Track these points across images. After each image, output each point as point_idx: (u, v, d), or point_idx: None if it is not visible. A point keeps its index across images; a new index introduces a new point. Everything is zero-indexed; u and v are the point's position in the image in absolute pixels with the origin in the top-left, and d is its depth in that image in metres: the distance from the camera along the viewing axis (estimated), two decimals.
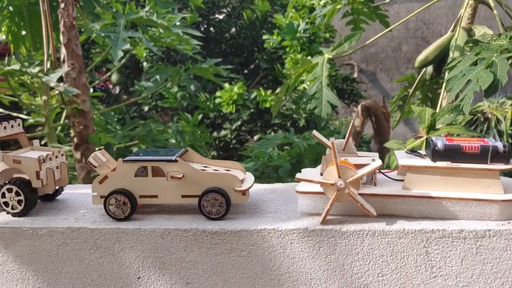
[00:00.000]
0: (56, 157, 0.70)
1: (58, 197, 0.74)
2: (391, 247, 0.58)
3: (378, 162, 0.59)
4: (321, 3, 3.12)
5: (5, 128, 0.69)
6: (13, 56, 1.88)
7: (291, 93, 3.16)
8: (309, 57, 3.33)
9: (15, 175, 0.68)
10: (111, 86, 3.79)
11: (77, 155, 2.04)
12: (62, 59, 1.92)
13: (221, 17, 3.73)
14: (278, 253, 0.60)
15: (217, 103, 3.26)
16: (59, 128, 2.42)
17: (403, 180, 0.63)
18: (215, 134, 3.35)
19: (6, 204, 0.67)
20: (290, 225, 0.60)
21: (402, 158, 0.64)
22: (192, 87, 2.84)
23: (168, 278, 0.63)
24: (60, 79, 1.92)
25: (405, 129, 3.67)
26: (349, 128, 0.70)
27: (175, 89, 3.39)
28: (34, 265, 0.65)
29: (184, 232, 0.61)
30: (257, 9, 3.70)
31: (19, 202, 0.66)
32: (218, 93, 3.21)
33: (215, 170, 0.67)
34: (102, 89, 3.69)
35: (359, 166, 0.62)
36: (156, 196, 0.65)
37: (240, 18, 3.84)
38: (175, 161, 0.64)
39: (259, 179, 2.43)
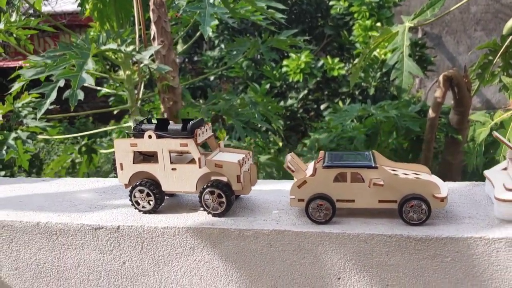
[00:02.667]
0: (248, 159, 0.74)
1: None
2: None
3: None
4: None
5: (202, 133, 0.73)
6: (105, 34, 1.92)
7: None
8: (378, 23, 3.26)
9: (213, 177, 0.72)
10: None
11: None
12: (152, 37, 1.96)
13: None
14: (483, 261, 0.63)
15: (283, 72, 3.26)
16: (139, 102, 2.49)
17: None
18: (281, 103, 3.36)
19: (207, 205, 0.72)
20: (497, 234, 0.63)
21: None
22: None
23: (368, 280, 0.67)
24: (150, 57, 1.96)
25: (474, 100, 3.59)
26: None
27: (241, 58, 3.40)
28: (238, 263, 0.70)
29: (388, 238, 0.65)
30: None
31: (220, 203, 0.71)
32: (285, 62, 3.20)
33: (405, 174, 0.70)
34: None
35: None
36: (353, 201, 0.68)
37: None
38: (376, 167, 0.67)
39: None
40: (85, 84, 1.46)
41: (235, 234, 0.69)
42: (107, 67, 2.41)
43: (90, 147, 2.60)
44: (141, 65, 2.12)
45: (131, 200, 0.74)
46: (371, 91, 3.20)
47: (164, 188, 0.74)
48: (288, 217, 0.71)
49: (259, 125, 2.30)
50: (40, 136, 2.47)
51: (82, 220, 0.74)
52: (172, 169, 0.72)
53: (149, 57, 1.85)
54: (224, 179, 0.72)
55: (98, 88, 2.41)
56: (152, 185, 0.73)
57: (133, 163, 0.74)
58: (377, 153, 0.73)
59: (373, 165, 0.67)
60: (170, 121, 0.75)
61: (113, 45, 1.82)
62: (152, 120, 0.76)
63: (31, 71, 1.64)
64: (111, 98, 3.47)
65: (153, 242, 0.71)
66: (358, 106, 2.49)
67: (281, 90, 3.42)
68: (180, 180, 0.73)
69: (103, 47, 1.82)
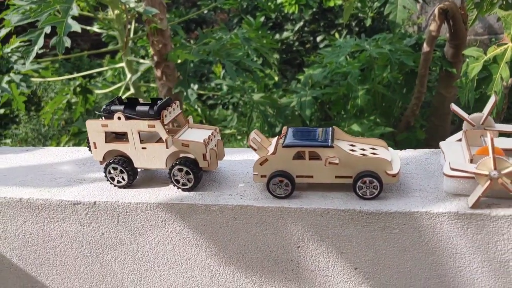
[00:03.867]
0: (214, 136, 0.79)
1: None
2: None
3: None
4: None
5: (170, 113, 0.77)
6: None
7: None
8: None
9: (182, 155, 0.77)
10: None
11: (158, 73, 2.13)
12: None
13: None
14: (428, 232, 0.69)
15: (278, 3, 3.20)
16: (130, 42, 2.48)
17: None
18: (277, 36, 3.33)
19: (177, 181, 0.77)
20: (441, 208, 0.68)
21: None
22: None
23: (324, 248, 0.74)
24: None
25: (476, 26, 3.53)
26: (490, 105, 0.74)
27: None
28: (206, 234, 0.77)
29: (342, 212, 0.71)
30: None
31: (188, 179, 0.77)
32: None
33: (362, 149, 0.75)
34: None
35: (508, 152, 0.68)
36: (311, 177, 0.74)
37: None
38: (332, 147, 0.71)
39: (329, 87, 2.47)
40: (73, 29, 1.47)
41: (202, 208, 0.75)
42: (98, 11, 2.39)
43: (85, 87, 2.63)
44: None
45: (106, 176, 0.80)
46: (368, 22, 3.15)
47: (136, 165, 0.79)
48: (252, 191, 0.77)
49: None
50: (34, 79, 2.50)
51: (61, 195, 0.80)
52: (142, 148, 0.77)
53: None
54: (192, 156, 0.77)
55: (88, 28, 2.40)
56: (124, 162, 0.78)
57: (106, 142, 0.79)
58: (338, 129, 0.77)
59: (329, 145, 0.72)
60: (140, 100, 0.79)
61: None
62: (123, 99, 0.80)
63: (16, 16, 1.64)
64: (104, 34, 3.44)
65: (127, 216, 0.78)
66: (352, 41, 2.47)
67: (277, 22, 3.37)
68: (151, 157, 0.78)
69: None
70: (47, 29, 1.47)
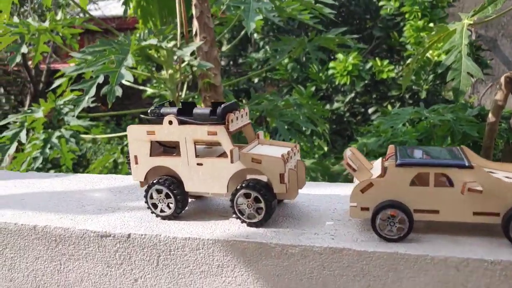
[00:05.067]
0: (294, 154, 0.56)
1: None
2: None
3: None
4: None
5: (236, 118, 0.55)
6: (146, 31, 1.80)
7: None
8: (431, 24, 3.02)
9: (250, 176, 0.54)
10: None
11: None
12: (194, 33, 1.82)
13: None
14: None
15: (329, 75, 3.05)
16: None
17: None
18: (327, 106, 3.16)
19: (241, 212, 0.53)
20: None
21: None
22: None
23: None
24: (192, 53, 1.82)
25: None
26: None
27: (286, 60, 3.24)
28: (280, 284, 0.51)
29: (490, 265, 0.45)
30: None
31: (257, 210, 0.53)
32: (331, 64, 3.00)
33: (508, 178, 0.49)
34: None
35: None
36: (437, 212, 0.49)
37: None
38: (471, 167, 0.47)
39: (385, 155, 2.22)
40: (130, 84, 1.33)
41: (276, 250, 0.50)
42: (153, 68, 2.30)
43: None
44: (183, 64, 1.98)
45: (146, 202, 0.57)
46: (423, 95, 2.94)
47: (188, 188, 0.56)
48: (347, 230, 0.52)
49: (304, 128, 2.11)
50: (84, 136, 2.37)
51: (86, 225, 0.57)
52: (198, 164, 0.55)
53: (191, 54, 1.70)
54: (264, 178, 0.53)
55: (141, 87, 2.29)
56: (173, 183, 0.56)
57: (150, 156, 0.57)
58: (467, 149, 0.53)
59: (466, 164, 0.47)
60: (198, 106, 0.58)
61: (153, 41, 1.68)
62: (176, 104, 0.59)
63: (71, 67, 1.52)
64: (156, 100, 3.36)
65: (171, 256, 0.54)
66: (410, 109, 2.26)
67: (327, 93, 3.21)
68: (208, 178, 0.55)
69: (143, 43, 1.68)
70: (100, 79, 1.33)
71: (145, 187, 0.58)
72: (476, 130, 2.21)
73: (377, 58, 3.22)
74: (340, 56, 2.99)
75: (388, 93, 3.18)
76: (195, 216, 0.58)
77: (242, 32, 2.15)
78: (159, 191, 0.56)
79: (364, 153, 2.40)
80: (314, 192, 0.64)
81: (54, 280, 0.59)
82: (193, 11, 1.79)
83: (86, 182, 0.74)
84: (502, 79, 2.15)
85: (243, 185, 0.53)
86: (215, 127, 0.53)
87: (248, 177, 0.54)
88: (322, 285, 0.50)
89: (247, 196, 0.53)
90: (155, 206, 0.57)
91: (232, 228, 0.54)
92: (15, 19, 1.64)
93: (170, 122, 0.55)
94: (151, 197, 0.57)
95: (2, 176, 0.81)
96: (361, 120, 3.26)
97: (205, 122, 0.54)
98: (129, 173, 0.58)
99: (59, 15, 1.88)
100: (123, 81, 1.27)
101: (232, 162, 0.53)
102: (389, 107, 3.08)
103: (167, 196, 0.56)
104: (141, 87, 2.32)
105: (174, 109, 0.56)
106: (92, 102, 1.61)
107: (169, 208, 0.57)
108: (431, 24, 3.02)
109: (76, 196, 0.67)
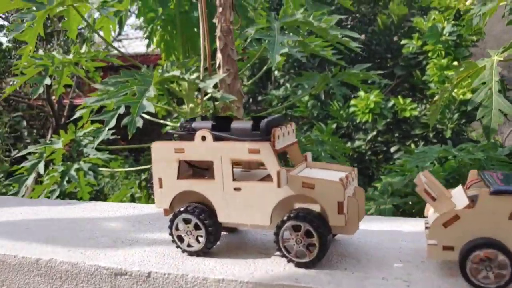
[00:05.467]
0: (353, 179, 0.45)
1: None
2: None
3: None
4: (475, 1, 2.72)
5: (283, 135, 0.45)
6: (169, 64, 1.74)
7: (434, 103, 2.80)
8: (455, 63, 2.93)
9: (298, 205, 0.43)
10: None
11: None
12: (217, 65, 1.75)
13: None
14: None
15: (351, 112, 2.96)
16: None
17: None
18: (348, 144, 3.05)
19: (288, 249, 0.42)
20: None
21: None
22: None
23: None
24: (215, 86, 1.75)
25: None
26: None
27: (306, 97, 3.17)
28: None
29: None
30: (392, 13, 3.36)
31: (309, 246, 0.42)
32: (353, 102, 2.92)
33: None
34: None
35: None
36: None
37: (371, 24, 3.52)
38: None
39: (412, 196, 2.09)
40: (150, 118, 1.25)
41: None
42: (173, 103, 2.24)
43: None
44: (205, 98, 1.91)
45: (171, 234, 0.47)
46: (448, 134, 2.83)
47: (222, 218, 0.46)
48: (423, 275, 0.40)
49: None
50: (102, 169, 2.29)
51: (99, 260, 0.46)
52: (236, 189, 0.44)
53: (214, 86, 1.63)
54: (316, 207, 0.42)
55: (162, 121, 2.22)
56: (203, 212, 0.45)
57: (178, 179, 0.47)
58: None
59: None
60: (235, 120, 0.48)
61: (176, 72, 1.62)
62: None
63: (92, 98, 1.46)
64: (176, 135, 3.30)
65: None
66: (437, 148, 2.14)
67: (348, 131, 3.11)
68: (247, 206, 0.44)
69: (166, 75, 1.62)
70: (121, 110, 1.26)
71: (170, 216, 0.47)
72: (508, 170, 2.07)
73: (399, 96, 3.13)
74: (361, 93, 2.91)
75: (411, 131, 3.07)
76: (228, 253, 0.47)
77: (265, 67, 2.08)
78: (187, 221, 0.46)
79: (390, 192, 2.26)
80: (370, 228, 0.52)
81: None
82: (217, 43, 1.72)
83: (102, 210, 0.64)
84: None
85: (291, 215, 0.42)
86: (258, 144, 0.43)
87: (297, 206, 0.43)
88: None
89: (296, 229, 0.42)
90: (181, 239, 0.47)
91: (276, 268, 0.43)
92: (40, 52, 1.59)
93: (203, 138, 0.45)
94: (177, 228, 0.47)
95: (10, 202, 0.71)
96: (383, 159, 3.15)
97: (246, 138, 0.44)
98: (151, 202, 0.49)
99: (84, 49, 1.83)
100: (143, 115, 1.20)
101: (279, 186, 0.42)
102: (412, 146, 2.96)
103: (197, 227, 0.46)
104: (161, 121, 2.24)
105: (209, 123, 0.46)
106: (112, 134, 1.53)
107: (198, 242, 0.46)
108: (455, 63, 2.94)
109: (89, 226, 0.57)
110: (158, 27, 1.99)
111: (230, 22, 1.72)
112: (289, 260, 0.43)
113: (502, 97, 1.55)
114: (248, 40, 1.71)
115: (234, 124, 0.45)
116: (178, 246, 0.47)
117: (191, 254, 0.47)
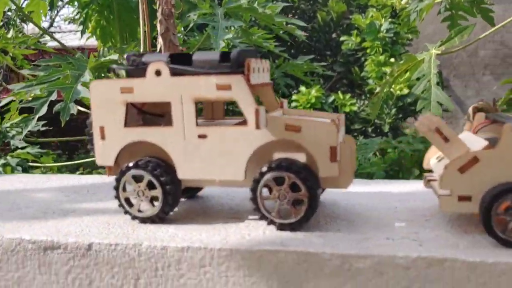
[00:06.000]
0: (340, 126, 0.37)
1: None
2: None
3: None
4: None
5: (258, 70, 0.36)
6: (106, 49, 1.60)
7: (371, 97, 2.83)
8: (392, 59, 2.99)
9: (278, 155, 0.34)
10: None
11: None
12: (158, 50, 1.63)
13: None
14: None
15: (292, 107, 2.94)
16: None
17: None
18: None
19: (267, 209, 0.34)
20: None
21: None
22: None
23: None
24: None
25: None
26: None
27: None
28: None
29: None
30: (332, 10, 3.38)
31: (295, 204, 0.33)
32: (294, 97, 2.89)
33: None
34: None
35: None
36: None
37: (311, 21, 3.52)
38: None
39: None
40: (84, 110, 1.12)
41: (333, 264, 0.30)
42: None
43: None
44: None
45: (118, 196, 0.36)
46: (386, 129, 2.86)
47: (182, 174, 0.36)
48: (433, 233, 0.33)
49: None
50: (32, 164, 2.08)
51: (21, 232, 0.35)
52: (200, 136, 0.35)
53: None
54: (301, 157, 0.34)
55: None
56: (159, 167, 0.35)
57: (125, 127, 0.36)
58: None
59: None
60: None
61: (114, 57, 1.48)
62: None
63: (20, 84, 1.29)
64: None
65: (158, 278, 0.33)
66: (378, 140, 2.15)
67: None
68: (215, 158, 0.35)
69: (102, 59, 1.47)
70: (53, 96, 1.11)
71: (116, 174, 0.37)
72: None
73: (339, 92, 3.15)
74: (303, 89, 2.89)
75: (351, 126, 3.08)
76: (190, 219, 0.37)
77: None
78: (137, 179, 0.36)
79: None
80: (355, 190, 0.44)
81: None
82: (158, 27, 1.59)
83: (27, 182, 0.51)
84: (470, 110, 2.06)
85: (272, 165, 0.33)
86: (228, 77, 0.34)
87: (276, 156, 0.34)
88: None
89: (278, 182, 0.33)
90: (130, 203, 0.36)
91: (254, 233, 0.34)
92: None
93: (158, 73, 0.35)
94: (125, 189, 0.36)
95: None
96: None
97: (213, 71, 0.34)
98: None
99: (11, 33, 1.64)
100: (79, 108, 1.06)
101: (257, 127, 0.33)
102: None
103: (150, 186, 0.36)
104: None
105: (164, 56, 0.36)
106: (43, 126, 1.38)
107: (152, 205, 0.36)
108: (392, 59, 2.99)
109: (11, 198, 0.45)
110: (94, 12, 1.83)
111: (172, 5, 1.59)
112: (270, 222, 0.34)
113: (440, 90, 1.54)
114: (191, 25, 1.60)
115: (197, 56, 0.35)
116: (126, 212, 0.37)
117: (143, 221, 0.36)
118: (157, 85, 0.35)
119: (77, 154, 3.96)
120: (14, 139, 1.75)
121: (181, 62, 0.37)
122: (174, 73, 0.35)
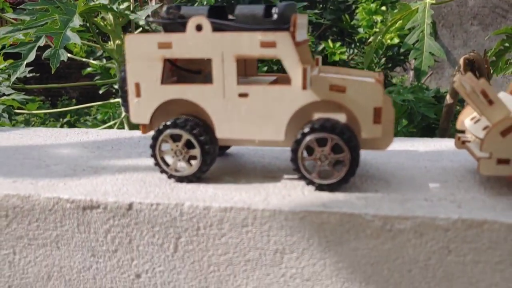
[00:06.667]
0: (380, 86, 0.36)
1: None
2: None
3: None
4: None
5: (300, 26, 0.35)
6: None
7: (361, 45, 2.80)
8: (383, 7, 2.93)
9: (318, 115, 0.34)
10: None
11: None
12: None
13: None
14: None
15: None
16: None
17: None
18: None
19: (308, 169, 0.34)
20: None
21: None
22: None
23: None
24: (147, 17, 1.57)
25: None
26: None
27: None
28: (380, 284, 0.32)
29: None
30: None
31: (335, 165, 0.33)
32: None
33: None
34: None
35: None
36: None
37: None
38: None
39: None
40: (70, 56, 1.07)
41: (374, 226, 0.31)
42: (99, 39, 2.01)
43: (73, 126, 2.20)
44: (136, 32, 1.71)
45: (154, 155, 0.36)
46: None
47: (221, 133, 0.35)
48: (469, 195, 0.34)
49: None
50: (18, 111, 2.04)
51: (58, 191, 0.35)
52: (241, 95, 0.34)
53: (146, 18, 1.46)
54: (342, 117, 0.33)
55: (84, 60, 2.00)
56: (198, 126, 0.35)
57: (162, 84, 0.35)
58: None
59: None
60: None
61: (104, 1, 1.41)
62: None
63: (4, 28, 1.23)
64: (97, 77, 3.02)
65: (199, 237, 0.33)
66: None
67: (279, 73, 3.04)
68: (256, 117, 0.34)
69: (92, 3, 1.41)
70: (41, 42, 1.06)
71: (152, 133, 0.36)
72: (433, 112, 2.11)
73: (329, 40, 3.10)
74: None
75: None
76: (226, 178, 0.37)
77: None
78: (175, 139, 0.35)
79: None
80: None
81: (3, 278, 0.36)
82: None
83: (46, 136, 0.50)
84: (461, 61, 2.05)
85: (315, 126, 0.33)
86: (273, 34, 0.33)
87: (316, 116, 0.34)
88: (443, 278, 0.31)
89: (320, 143, 0.33)
90: (165, 163, 0.36)
91: (293, 193, 0.34)
92: None
93: (199, 28, 0.33)
94: (161, 149, 0.36)
95: None
96: None
97: (257, 27, 0.33)
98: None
99: None
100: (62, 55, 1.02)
101: (304, 87, 0.32)
102: None
103: (189, 145, 0.35)
104: (84, 59, 2.03)
105: (204, 9, 0.35)
106: (29, 72, 1.34)
107: (190, 164, 0.36)
108: (383, 8, 2.93)
109: (34, 154, 0.44)
110: None
111: None
112: (309, 182, 0.34)
113: (433, 40, 1.52)
114: None
115: (240, 10, 0.34)
116: (163, 171, 0.36)
117: (180, 180, 0.36)
118: (197, 41, 0.34)
119: (60, 101, 3.88)
120: (1, 85, 1.70)
121: (219, 15, 0.35)
122: (216, 28, 0.34)
